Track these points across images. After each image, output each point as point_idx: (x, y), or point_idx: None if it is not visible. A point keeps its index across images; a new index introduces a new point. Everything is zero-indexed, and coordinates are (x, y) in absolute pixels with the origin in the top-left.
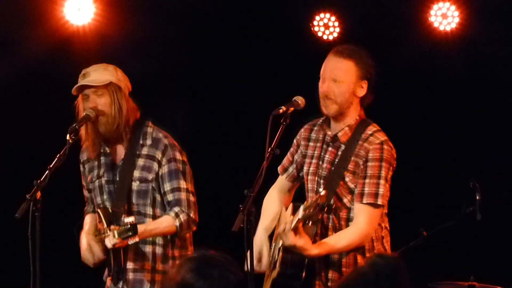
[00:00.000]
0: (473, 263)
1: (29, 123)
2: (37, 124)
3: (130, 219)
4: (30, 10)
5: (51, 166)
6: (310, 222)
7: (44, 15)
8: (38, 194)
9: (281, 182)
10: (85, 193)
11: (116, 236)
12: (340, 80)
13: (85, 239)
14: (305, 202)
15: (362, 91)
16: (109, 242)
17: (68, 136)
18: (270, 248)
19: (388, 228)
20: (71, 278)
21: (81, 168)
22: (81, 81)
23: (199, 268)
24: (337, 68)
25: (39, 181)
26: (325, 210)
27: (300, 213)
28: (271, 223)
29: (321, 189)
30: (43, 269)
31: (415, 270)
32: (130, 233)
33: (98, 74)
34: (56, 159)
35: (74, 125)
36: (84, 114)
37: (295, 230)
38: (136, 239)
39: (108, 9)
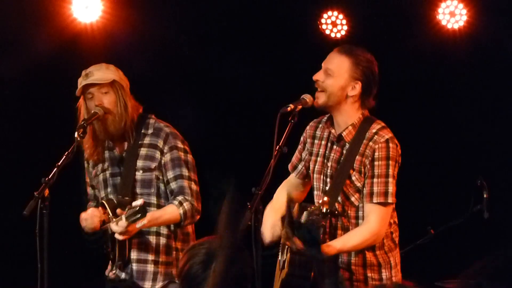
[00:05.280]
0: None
1: (37, 120)
2: (45, 122)
3: (139, 202)
4: (38, 8)
5: (59, 163)
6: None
7: (52, 13)
8: (46, 191)
9: (292, 179)
10: (89, 190)
11: (124, 219)
12: (331, 72)
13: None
14: (309, 208)
15: (353, 91)
16: (117, 227)
17: (76, 133)
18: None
19: (397, 222)
20: (79, 275)
21: (85, 164)
22: (85, 81)
23: (205, 260)
24: (331, 60)
25: (47, 178)
26: (328, 216)
27: (304, 219)
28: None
29: (327, 188)
30: (50, 266)
31: (423, 269)
32: (139, 215)
33: (101, 73)
34: (64, 156)
35: (82, 122)
36: (92, 111)
37: None
38: (145, 221)
39: (115, 7)
